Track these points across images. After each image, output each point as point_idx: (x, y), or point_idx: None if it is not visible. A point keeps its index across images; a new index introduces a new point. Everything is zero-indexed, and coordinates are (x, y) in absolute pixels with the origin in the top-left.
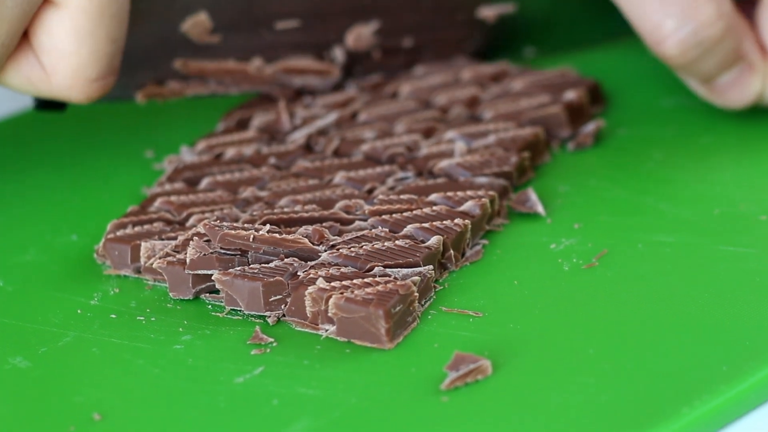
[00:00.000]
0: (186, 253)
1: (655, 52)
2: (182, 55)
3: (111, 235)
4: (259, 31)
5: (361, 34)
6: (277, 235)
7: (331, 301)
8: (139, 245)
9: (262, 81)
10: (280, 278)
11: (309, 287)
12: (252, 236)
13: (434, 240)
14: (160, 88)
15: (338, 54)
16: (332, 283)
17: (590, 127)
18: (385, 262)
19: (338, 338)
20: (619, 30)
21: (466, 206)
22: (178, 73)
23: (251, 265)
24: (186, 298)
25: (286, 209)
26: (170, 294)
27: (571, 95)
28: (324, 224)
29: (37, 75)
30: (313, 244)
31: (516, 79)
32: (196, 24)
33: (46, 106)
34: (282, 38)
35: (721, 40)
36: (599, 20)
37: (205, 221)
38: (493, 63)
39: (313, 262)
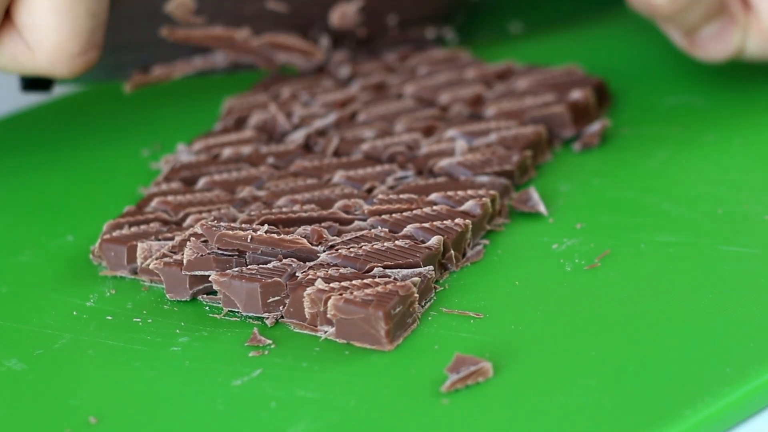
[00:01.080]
0: (183, 254)
1: (644, 1)
2: (166, 42)
3: (107, 236)
4: (245, 4)
5: (345, 13)
6: (275, 236)
7: (330, 302)
8: (136, 246)
9: (248, 51)
10: (279, 279)
11: (308, 288)
12: (250, 236)
13: (434, 240)
14: (147, 76)
15: (323, 41)
16: (331, 284)
17: (596, 127)
18: (385, 263)
19: (337, 340)
20: (605, 5)
21: (467, 206)
22: (164, 55)
23: (249, 266)
24: (183, 300)
25: (284, 209)
26: (167, 295)
27: (576, 95)
28: (323, 224)
29: (21, 52)
30: (311, 244)
31: (521, 78)
32: (180, 5)
33: (32, 85)
34: (267, 12)
35: None
36: None
37: (203, 221)
38: (498, 62)
39: (311, 263)
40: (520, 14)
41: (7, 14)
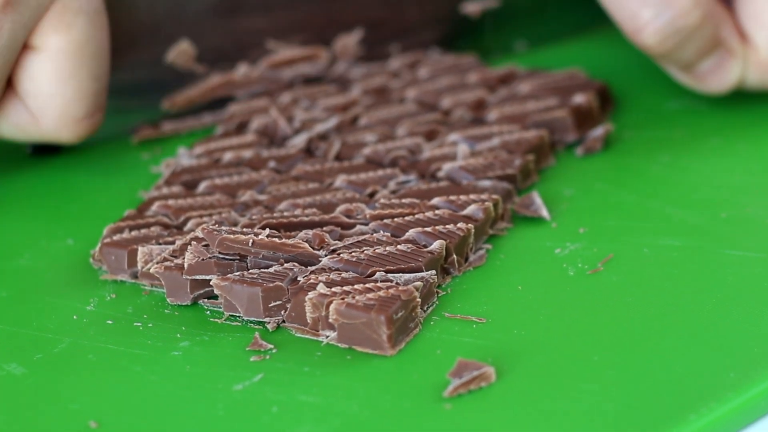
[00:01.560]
0: (184, 258)
1: (634, 41)
2: (171, 85)
3: (107, 240)
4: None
5: (346, 45)
6: (276, 240)
7: (331, 306)
8: (136, 250)
9: (251, 83)
10: (280, 283)
11: (309, 293)
12: (251, 241)
13: (437, 245)
14: (155, 131)
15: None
16: (333, 289)
17: (599, 132)
18: (387, 267)
19: (339, 345)
20: (606, 18)
21: (469, 210)
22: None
23: (250, 270)
24: (184, 304)
25: (285, 213)
26: (168, 299)
27: (579, 99)
28: (324, 228)
29: (25, 120)
30: (313, 248)
31: (524, 82)
32: (180, 53)
33: (42, 150)
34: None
35: (698, 28)
36: (586, 8)
37: (204, 225)
38: (500, 66)
39: (313, 267)
40: (523, 32)
41: (10, 83)
